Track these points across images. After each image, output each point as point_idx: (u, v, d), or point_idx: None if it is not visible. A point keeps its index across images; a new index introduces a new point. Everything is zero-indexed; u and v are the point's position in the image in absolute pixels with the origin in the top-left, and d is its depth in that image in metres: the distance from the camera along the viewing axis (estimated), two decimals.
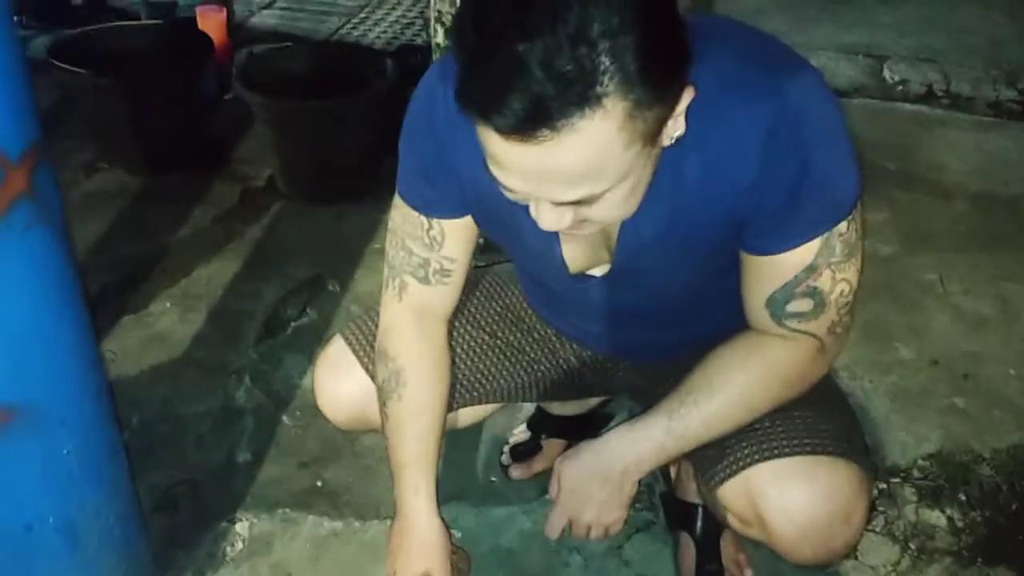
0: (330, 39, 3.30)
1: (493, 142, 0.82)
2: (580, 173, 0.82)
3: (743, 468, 1.10)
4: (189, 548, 1.51)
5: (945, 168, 2.51)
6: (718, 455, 1.13)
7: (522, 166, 0.82)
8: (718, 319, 1.12)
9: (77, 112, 2.58)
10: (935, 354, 1.88)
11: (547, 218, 0.89)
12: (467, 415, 1.39)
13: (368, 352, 1.29)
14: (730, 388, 1.08)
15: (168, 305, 2.03)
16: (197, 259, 2.17)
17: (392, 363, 1.20)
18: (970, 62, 2.90)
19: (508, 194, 0.89)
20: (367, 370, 1.28)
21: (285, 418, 1.75)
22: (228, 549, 1.52)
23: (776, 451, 1.08)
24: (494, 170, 0.86)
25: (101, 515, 1.18)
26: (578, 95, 0.76)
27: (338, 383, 1.32)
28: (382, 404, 1.22)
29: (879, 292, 2.05)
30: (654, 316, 1.20)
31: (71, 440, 1.09)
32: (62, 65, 2.35)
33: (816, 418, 1.11)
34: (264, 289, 2.08)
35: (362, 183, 2.36)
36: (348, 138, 2.35)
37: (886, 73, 2.90)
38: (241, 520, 1.56)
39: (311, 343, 1.91)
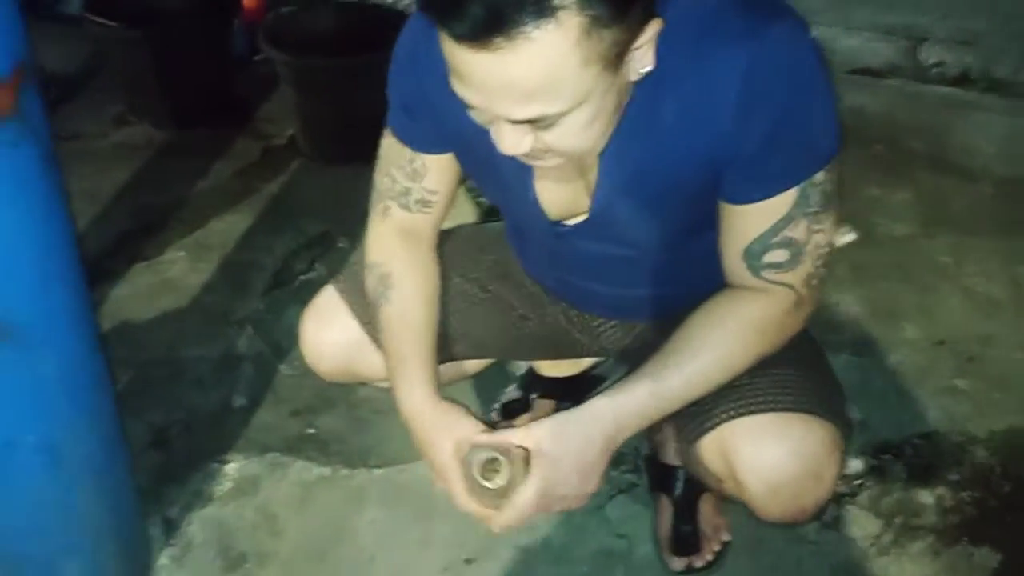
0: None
1: (452, 51, 0.84)
2: (534, 88, 0.83)
3: (718, 424, 1.09)
4: (179, 484, 1.55)
5: (974, 152, 2.45)
6: (695, 412, 1.12)
7: (477, 76, 0.84)
8: (698, 278, 1.11)
9: (109, 66, 2.63)
10: (942, 335, 1.85)
11: (506, 139, 0.90)
12: (453, 370, 1.40)
13: (358, 297, 1.30)
14: (710, 347, 1.07)
15: (181, 254, 2.07)
16: (213, 211, 2.21)
17: (379, 268, 1.22)
18: (1009, 46, 2.82)
19: (472, 114, 0.91)
20: (356, 315, 1.30)
21: (283, 367, 1.78)
22: (216, 488, 1.55)
23: (751, 407, 1.07)
24: (455, 85, 0.88)
25: (83, 439, 1.21)
26: (534, 4, 0.78)
27: (321, 331, 1.33)
28: (375, 314, 1.23)
29: (891, 271, 2.02)
30: (633, 270, 1.20)
31: (54, 360, 1.12)
32: (96, 19, 2.40)
33: (794, 376, 1.10)
34: (275, 243, 2.11)
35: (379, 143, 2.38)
36: (368, 98, 2.34)
37: (921, 55, 2.83)
38: (231, 461, 1.59)
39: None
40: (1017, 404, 1.69)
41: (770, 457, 1.07)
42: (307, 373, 1.72)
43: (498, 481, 1.06)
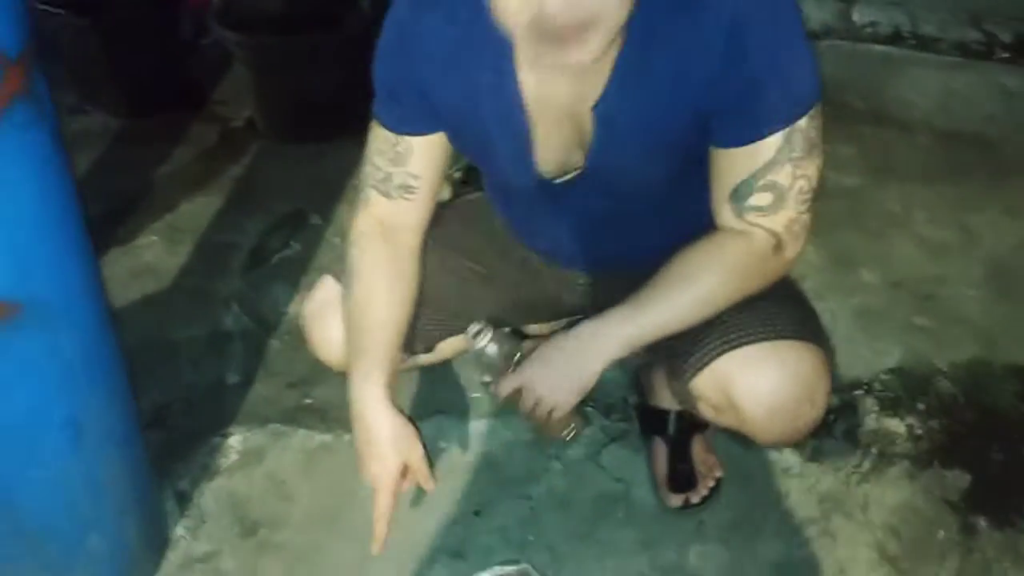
0: None
1: None
2: None
3: (713, 359, 1.17)
4: (184, 460, 1.57)
5: (912, 106, 2.58)
6: (688, 351, 1.20)
7: None
8: (689, 230, 1.18)
9: (59, 54, 2.59)
10: (897, 278, 1.96)
11: None
12: (450, 347, 1.45)
13: None
14: (692, 282, 1.14)
15: (155, 238, 2.08)
16: (181, 195, 2.21)
17: (349, 264, 1.26)
18: (936, 5, 2.96)
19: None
20: None
21: (273, 342, 1.81)
22: (222, 461, 1.58)
23: (742, 339, 1.15)
24: None
25: (103, 414, 1.23)
26: None
27: (327, 327, 1.34)
28: (343, 303, 1.27)
29: (845, 221, 2.12)
30: (625, 223, 1.26)
31: (75, 337, 1.15)
32: (43, 6, 2.36)
33: (777, 308, 1.18)
34: (247, 223, 2.12)
35: (340, 120, 2.37)
36: (324, 76, 2.38)
37: (855, 16, 2.96)
38: (233, 435, 1.62)
39: (297, 272, 1.97)
40: (974, 337, 1.81)
41: (767, 384, 1.15)
42: (298, 347, 1.78)
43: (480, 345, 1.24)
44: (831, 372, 1.19)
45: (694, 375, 1.20)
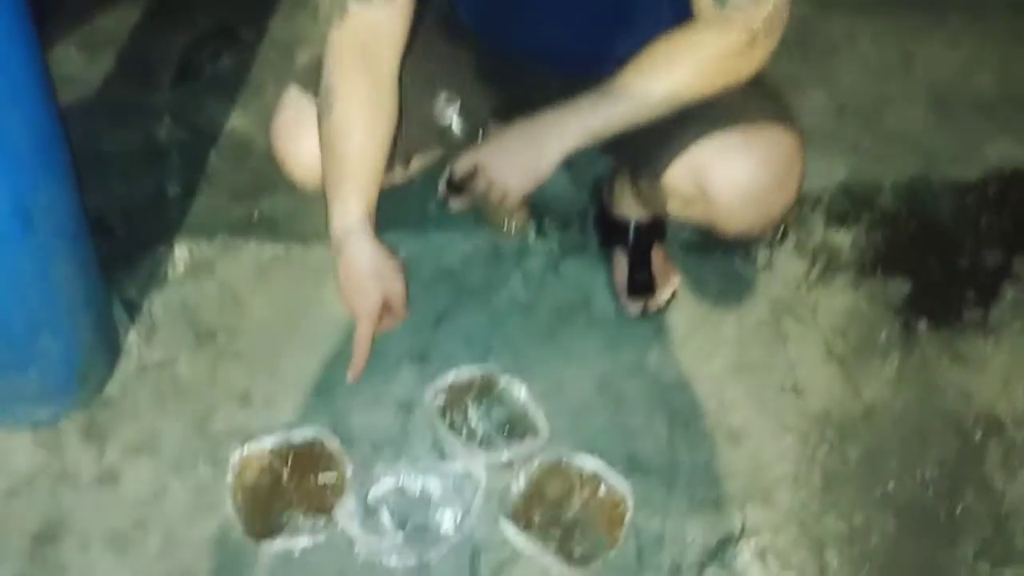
0: None
1: None
2: None
3: (687, 146, 1.15)
4: (130, 269, 1.51)
5: None
6: (659, 145, 1.17)
7: None
8: (664, 24, 1.14)
9: None
10: (843, 100, 1.98)
11: None
12: (419, 163, 1.40)
13: None
14: (662, 74, 1.11)
15: (72, 50, 1.93)
16: (96, 8, 2.05)
17: (325, 80, 1.18)
18: None
19: None
20: None
21: (213, 154, 1.73)
22: (170, 271, 1.52)
23: (717, 126, 1.13)
24: None
25: (53, 204, 1.16)
26: None
27: (298, 142, 1.27)
28: (318, 124, 1.20)
29: (791, 49, 2.10)
30: (606, 15, 1.22)
31: (20, 119, 1.06)
32: None
33: (747, 96, 1.16)
34: (172, 36, 1.99)
35: None
36: None
37: None
38: (180, 246, 1.56)
39: (231, 87, 1.87)
40: (916, 157, 1.85)
41: (741, 168, 1.14)
42: (240, 159, 1.72)
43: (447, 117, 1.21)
44: (804, 157, 1.19)
45: (666, 168, 1.18)
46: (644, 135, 1.15)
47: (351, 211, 1.18)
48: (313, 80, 1.23)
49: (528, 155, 1.16)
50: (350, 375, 1.24)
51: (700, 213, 1.22)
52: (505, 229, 1.32)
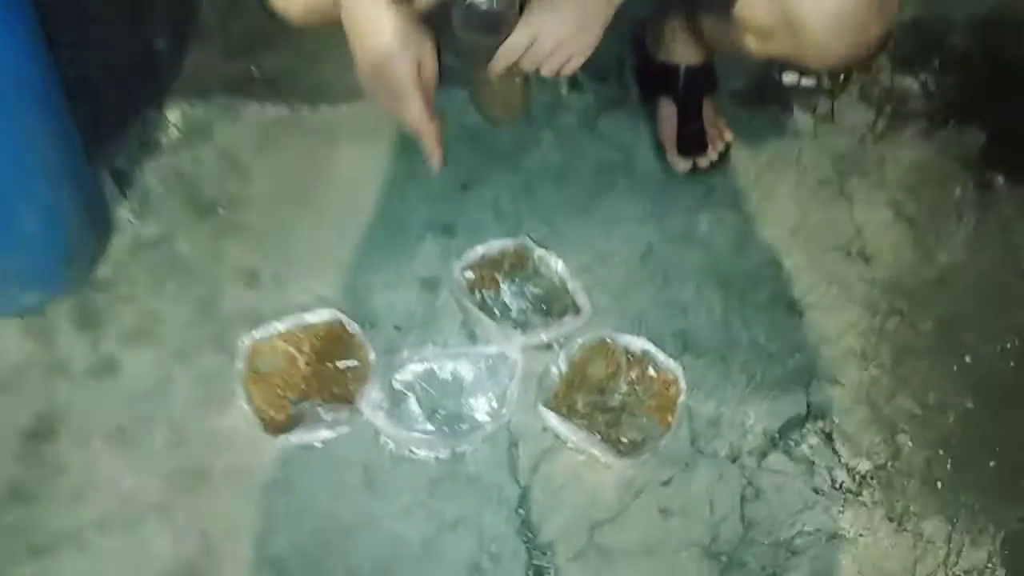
0: None
1: None
2: None
3: None
4: (118, 136, 1.35)
5: None
6: None
7: None
8: None
9: None
10: None
11: None
12: None
13: None
14: None
15: None
16: None
17: None
18: None
19: None
20: None
21: (205, 5, 1.53)
22: (162, 137, 1.36)
23: None
24: None
25: (16, 60, 0.99)
26: None
27: None
28: None
29: None
30: None
31: None
32: None
33: None
34: None
35: None
36: None
37: None
38: (171, 108, 1.39)
39: None
40: None
41: None
42: (234, 8, 1.53)
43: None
44: None
45: None
46: None
47: None
48: None
49: (594, 1, 0.98)
50: (434, 163, 1.06)
51: (781, 46, 1.05)
52: (511, 113, 1.16)
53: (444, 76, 1.05)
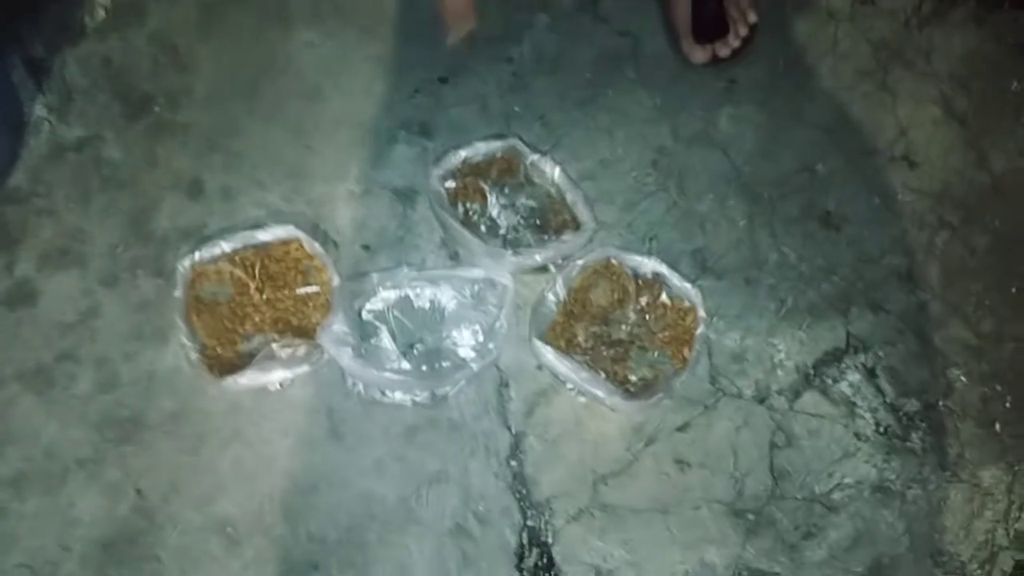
0: None
1: None
2: None
3: None
4: (33, 19, 1.14)
5: None
6: None
7: None
8: None
9: None
10: None
11: None
12: None
13: None
14: None
15: None
16: None
17: None
18: None
19: None
20: None
21: None
22: (86, 19, 1.15)
23: None
24: None
25: None
26: None
27: None
28: None
29: None
30: None
31: None
32: None
33: None
34: None
35: None
36: None
37: None
38: None
39: None
40: None
41: None
42: None
43: None
44: None
45: None
46: None
47: None
48: None
49: None
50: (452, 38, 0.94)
51: None
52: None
53: None
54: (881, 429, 0.98)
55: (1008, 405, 1.01)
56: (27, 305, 0.99)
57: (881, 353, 1.01)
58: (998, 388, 1.01)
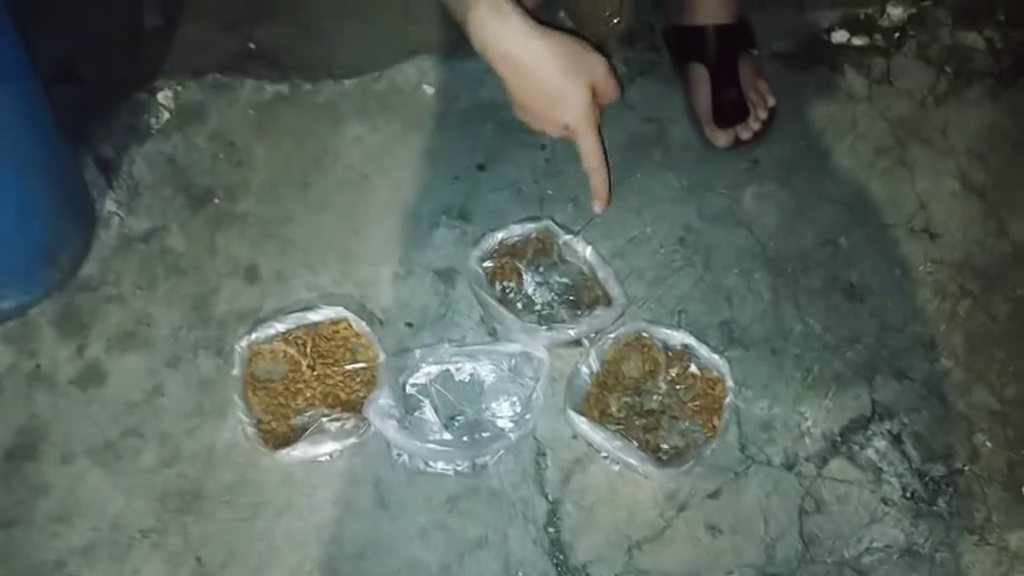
0: None
1: None
2: None
3: None
4: (103, 121, 1.24)
5: None
6: None
7: None
8: None
9: None
10: None
11: None
12: None
13: None
14: None
15: None
16: None
17: None
18: None
19: None
20: None
21: None
22: (152, 120, 1.25)
23: None
24: None
25: None
26: None
27: None
28: None
29: None
30: None
31: None
32: None
33: None
34: None
35: None
36: None
37: None
38: (162, 89, 1.28)
39: None
40: None
41: None
42: None
43: None
44: None
45: None
46: None
47: (502, 12, 0.85)
48: None
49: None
50: (597, 205, 0.99)
51: None
52: (606, 21, 1.04)
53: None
54: (908, 494, 1.01)
55: None
56: (96, 385, 1.07)
57: (906, 420, 1.05)
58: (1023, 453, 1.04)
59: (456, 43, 1.33)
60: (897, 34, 1.36)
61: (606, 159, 0.95)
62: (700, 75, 1.24)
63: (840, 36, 1.34)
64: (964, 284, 1.15)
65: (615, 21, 1.02)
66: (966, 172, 1.23)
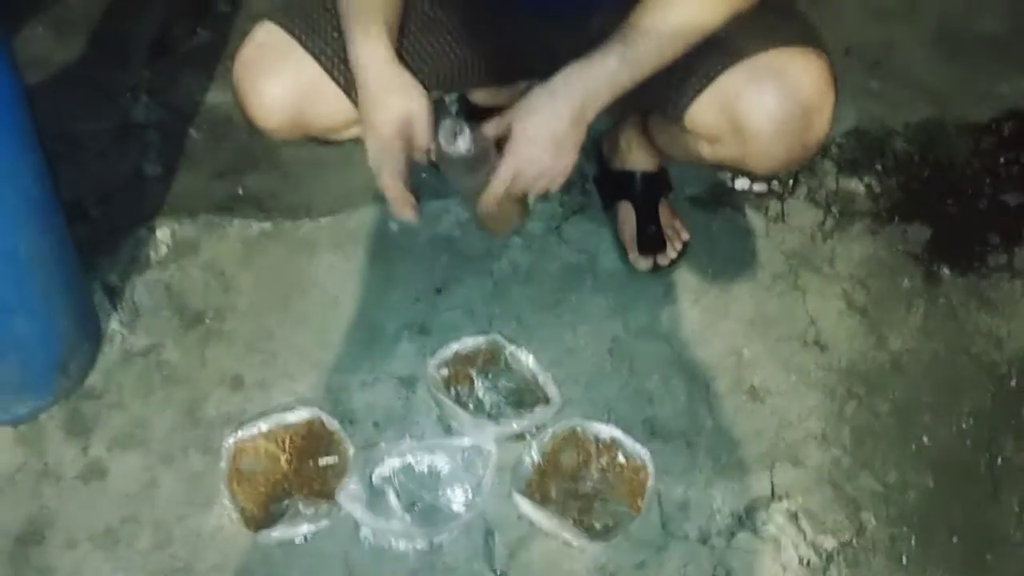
0: None
1: None
2: None
3: (714, 78, 1.06)
4: (110, 253, 1.43)
5: None
6: (682, 81, 1.08)
7: None
8: None
9: None
10: (848, 42, 1.89)
11: None
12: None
13: (306, 26, 1.13)
14: (680, 5, 1.03)
15: (41, 30, 1.83)
16: None
17: None
18: None
19: None
20: (308, 47, 1.12)
21: (192, 132, 1.64)
22: (151, 254, 1.44)
23: (744, 53, 1.04)
24: None
25: (16, 170, 1.06)
26: None
27: (267, 78, 1.13)
28: None
29: None
30: None
31: None
32: None
33: (774, 19, 1.08)
34: (145, 12, 1.89)
35: None
36: None
37: None
38: (161, 227, 1.47)
39: (209, 61, 1.77)
40: (925, 98, 1.76)
41: (773, 94, 1.04)
42: (221, 136, 1.63)
43: (460, 147, 1.01)
44: (836, 82, 1.09)
45: (692, 101, 1.08)
46: (663, 74, 1.05)
47: (371, 36, 1.06)
48: (288, 11, 1.14)
49: (565, 129, 1.05)
50: (407, 214, 1.13)
51: (728, 151, 1.12)
52: (513, 226, 1.27)
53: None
54: (805, 563, 1.17)
55: (913, 543, 1.20)
56: (98, 479, 1.21)
57: (802, 500, 1.22)
58: (904, 528, 1.21)
59: (416, 189, 1.55)
60: (791, 181, 1.61)
61: (404, 176, 1.11)
62: (627, 211, 1.47)
63: (742, 183, 1.58)
64: (850, 387, 1.34)
65: (520, 222, 1.26)
66: (850, 295, 1.45)
